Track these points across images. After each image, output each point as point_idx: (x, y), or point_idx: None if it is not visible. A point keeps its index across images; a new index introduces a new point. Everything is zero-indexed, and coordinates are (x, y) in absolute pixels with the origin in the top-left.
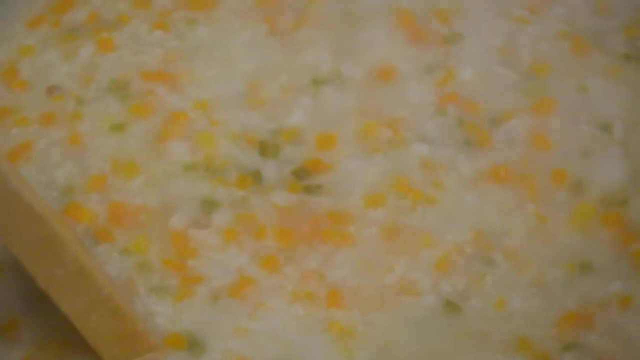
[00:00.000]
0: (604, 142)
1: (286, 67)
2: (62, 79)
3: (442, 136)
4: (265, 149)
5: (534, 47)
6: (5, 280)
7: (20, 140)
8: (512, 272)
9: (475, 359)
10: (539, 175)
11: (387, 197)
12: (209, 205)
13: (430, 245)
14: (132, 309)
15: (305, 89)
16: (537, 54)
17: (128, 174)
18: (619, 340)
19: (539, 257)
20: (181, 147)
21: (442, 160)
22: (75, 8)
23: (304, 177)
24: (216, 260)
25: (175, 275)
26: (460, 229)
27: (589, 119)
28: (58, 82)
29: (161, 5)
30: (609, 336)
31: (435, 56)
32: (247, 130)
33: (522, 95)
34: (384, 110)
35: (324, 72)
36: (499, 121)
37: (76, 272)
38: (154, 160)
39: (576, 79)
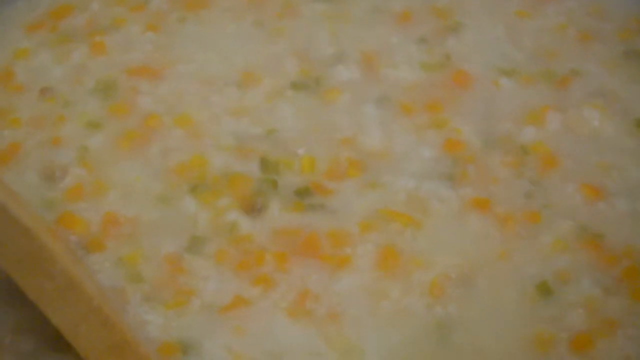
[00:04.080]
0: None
1: (274, 63)
2: (55, 81)
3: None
4: (267, 166)
5: (537, 35)
6: None
7: (10, 141)
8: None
9: None
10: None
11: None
12: (200, 223)
13: (422, 268)
14: (123, 319)
15: (294, 92)
16: (540, 41)
17: (103, 184)
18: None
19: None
20: (163, 153)
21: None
22: (74, 13)
23: (304, 197)
24: (209, 279)
25: (167, 287)
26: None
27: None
28: (51, 84)
29: (157, 7)
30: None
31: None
32: (238, 138)
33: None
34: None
35: (317, 73)
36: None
37: (66, 285)
38: (139, 167)
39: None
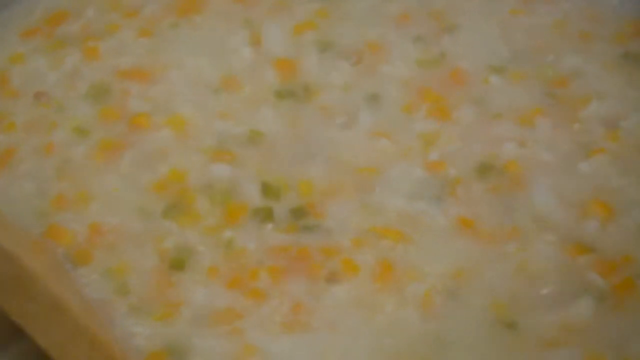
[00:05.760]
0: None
1: (261, 68)
2: (49, 86)
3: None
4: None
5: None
6: None
7: (5, 147)
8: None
9: None
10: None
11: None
12: (189, 240)
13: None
14: (110, 334)
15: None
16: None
17: (84, 195)
18: None
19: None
20: (154, 159)
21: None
22: (69, 20)
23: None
24: (199, 292)
25: (155, 299)
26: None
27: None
28: (45, 89)
29: (150, 12)
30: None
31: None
32: (221, 142)
33: None
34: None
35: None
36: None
37: (50, 307)
38: (125, 178)
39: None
